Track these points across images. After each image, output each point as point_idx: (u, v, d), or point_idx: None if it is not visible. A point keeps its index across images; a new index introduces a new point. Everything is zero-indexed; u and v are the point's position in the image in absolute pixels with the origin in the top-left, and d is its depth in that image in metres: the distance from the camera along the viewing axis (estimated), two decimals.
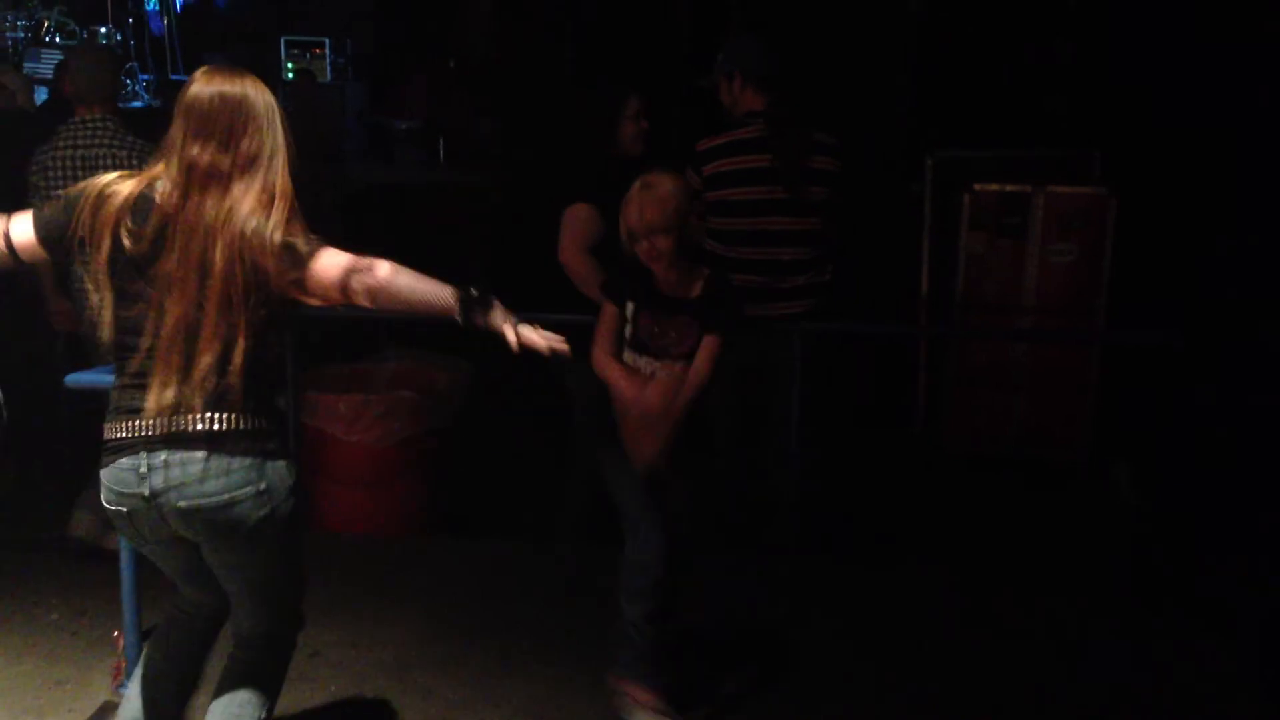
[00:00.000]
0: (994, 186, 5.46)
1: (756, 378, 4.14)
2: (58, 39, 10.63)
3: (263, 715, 2.67)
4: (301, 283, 2.36)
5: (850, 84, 5.97)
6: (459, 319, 2.37)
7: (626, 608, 3.09)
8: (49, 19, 10.66)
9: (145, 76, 11.10)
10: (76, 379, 3.31)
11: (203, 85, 2.39)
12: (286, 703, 3.31)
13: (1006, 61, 6.34)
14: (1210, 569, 4.16)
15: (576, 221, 3.84)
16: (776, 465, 4.18)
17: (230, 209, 2.34)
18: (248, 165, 2.37)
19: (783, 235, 3.93)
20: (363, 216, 7.78)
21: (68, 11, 10.79)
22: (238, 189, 2.36)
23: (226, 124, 2.36)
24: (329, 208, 7.48)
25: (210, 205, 2.35)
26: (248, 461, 2.38)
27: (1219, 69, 5.38)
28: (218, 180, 2.36)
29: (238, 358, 2.34)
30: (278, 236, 2.34)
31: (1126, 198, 5.37)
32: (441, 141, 9.81)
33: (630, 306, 3.05)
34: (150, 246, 2.36)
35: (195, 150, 2.36)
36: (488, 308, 2.38)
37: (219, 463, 2.35)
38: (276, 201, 2.37)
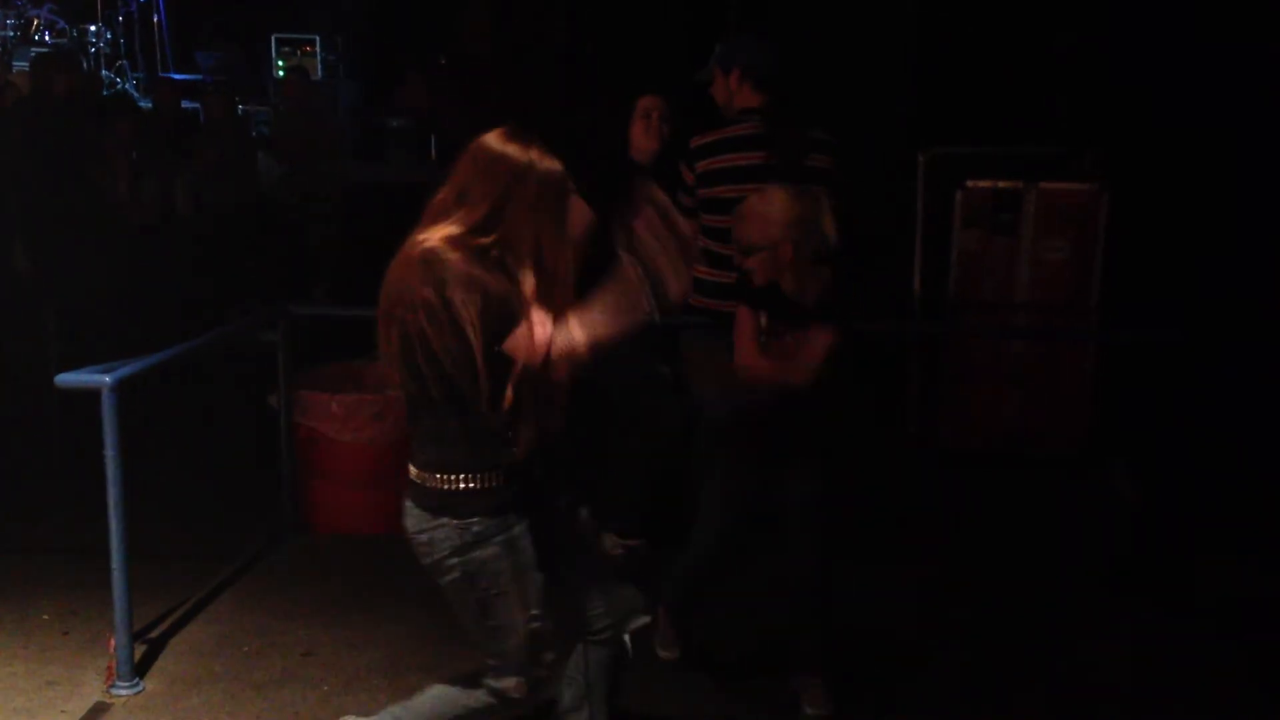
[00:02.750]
0: (986, 183, 5.46)
1: None
2: (47, 37, 10.60)
3: None
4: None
5: (847, 82, 5.97)
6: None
7: None
8: (39, 17, 10.63)
9: (136, 74, 11.07)
10: (66, 379, 3.29)
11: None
12: (277, 703, 3.31)
13: (1002, 60, 6.34)
14: (1205, 565, 4.16)
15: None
16: None
17: (422, 241, 2.33)
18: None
19: None
20: (356, 215, 7.77)
21: (58, 10, 10.76)
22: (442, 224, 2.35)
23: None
24: (324, 206, 7.49)
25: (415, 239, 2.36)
26: (418, 511, 2.48)
27: (1212, 68, 5.39)
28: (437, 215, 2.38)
29: (409, 413, 2.43)
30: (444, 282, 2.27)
31: (1118, 194, 5.38)
32: (434, 140, 9.80)
33: (764, 316, 3.13)
34: None
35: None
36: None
37: (408, 504, 2.51)
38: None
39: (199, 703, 3.31)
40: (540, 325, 2.28)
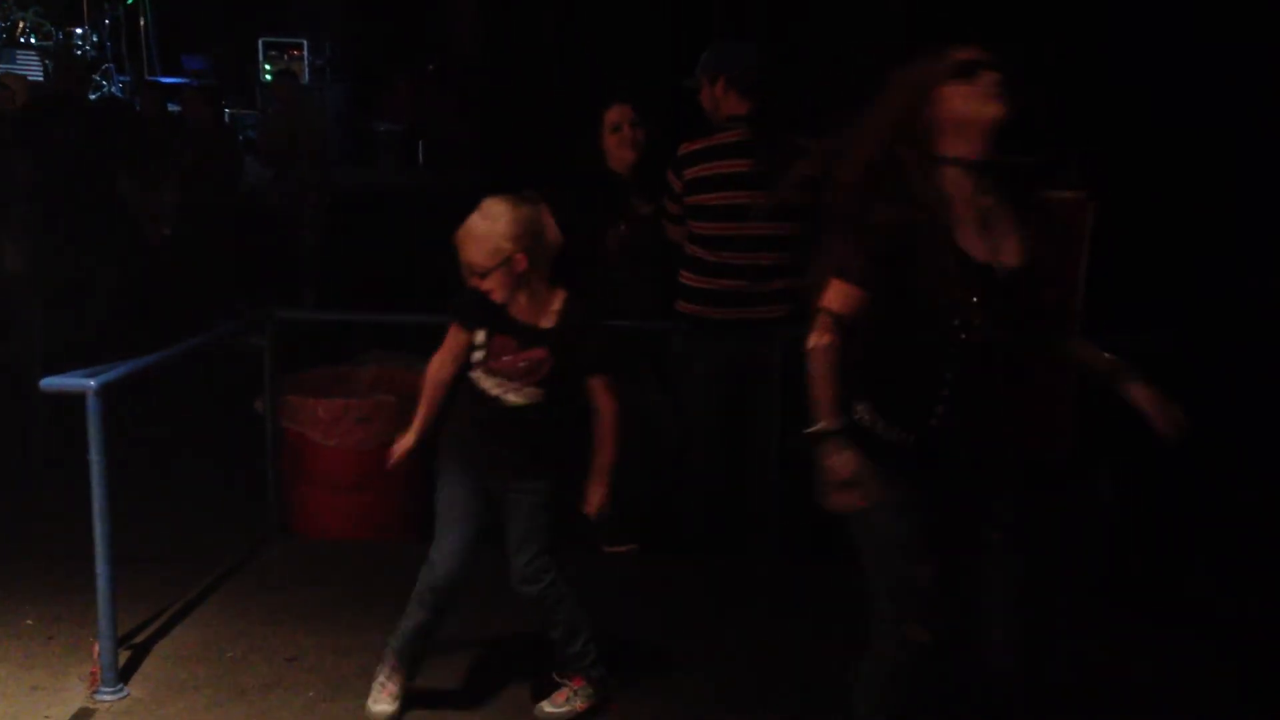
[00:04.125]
0: None
1: (738, 381, 4.15)
2: (33, 40, 10.58)
3: None
4: None
5: (833, 89, 5.99)
6: None
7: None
8: (24, 20, 10.61)
9: (122, 77, 11.05)
10: (51, 383, 3.28)
11: None
12: (262, 709, 3.30)
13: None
14: (1192, 571, 4.18)
15: None
16: (759, 469, 4.19)
17: None
18: None
19: (763, 240, 3.93)
20: (345, 218, 7.77)
21: (44, 12, 10.74)
22: None
23: None
24: (314, 209, 7.49)
25: None
26: None
27: (1199, 76, 5.43)
28: None
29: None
30: None
31: (1104, 202, 5.40)
32: (421, 144, 9.82)
33: (481, 333, 3.02)
34: None
35: None
36: None
37: None
38: None
39: (183, 708, 3.29)
40: None
